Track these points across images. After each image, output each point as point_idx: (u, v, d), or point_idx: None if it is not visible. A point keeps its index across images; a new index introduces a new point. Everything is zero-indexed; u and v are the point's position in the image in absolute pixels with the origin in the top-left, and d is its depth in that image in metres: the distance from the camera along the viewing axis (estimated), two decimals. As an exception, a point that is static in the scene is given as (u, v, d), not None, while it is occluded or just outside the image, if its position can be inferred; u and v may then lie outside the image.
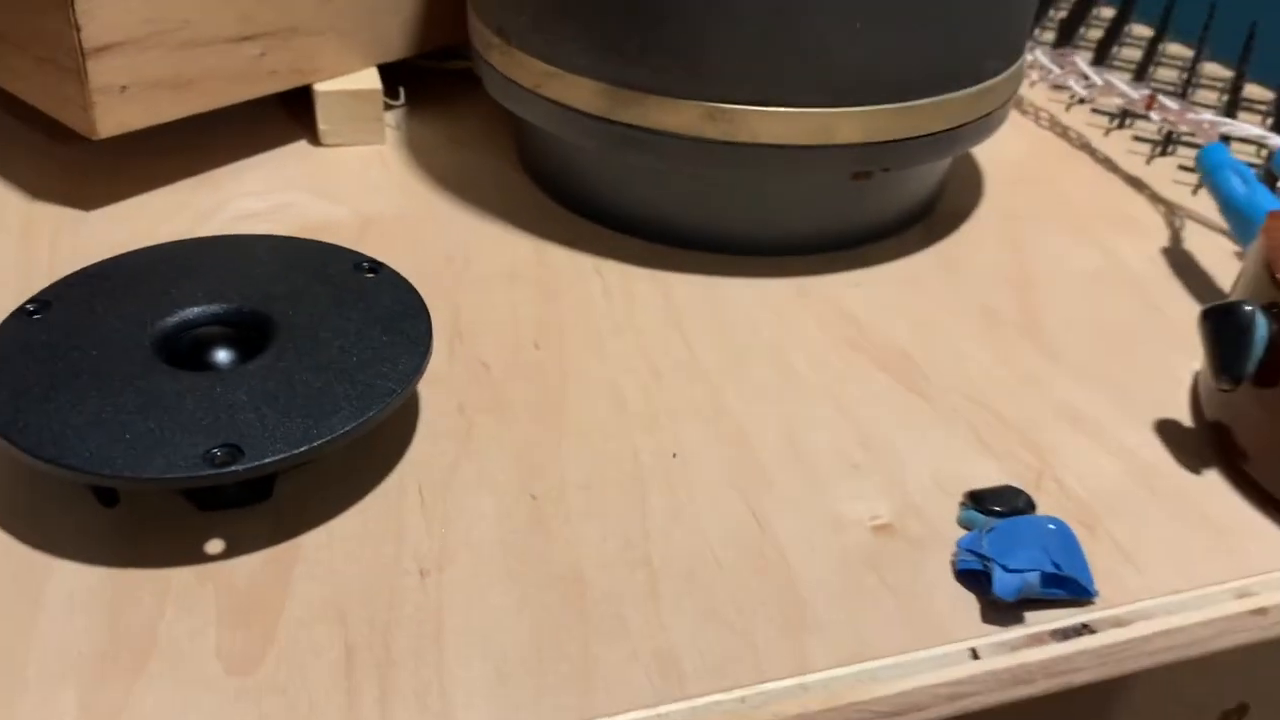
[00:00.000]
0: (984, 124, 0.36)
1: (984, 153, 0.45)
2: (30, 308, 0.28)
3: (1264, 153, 0.45)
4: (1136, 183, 0.44)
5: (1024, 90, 0.50)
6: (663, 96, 0.33)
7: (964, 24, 0.34)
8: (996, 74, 0.36)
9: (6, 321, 0.28)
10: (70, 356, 0.27)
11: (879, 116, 0.34)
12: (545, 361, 0.32)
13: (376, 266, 0.31)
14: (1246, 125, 0.41)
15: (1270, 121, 0.47)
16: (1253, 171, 0.37)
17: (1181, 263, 0.38)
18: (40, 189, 0.38)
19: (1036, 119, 0.48)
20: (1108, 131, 0.47)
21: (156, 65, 0.36)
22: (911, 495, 0.28)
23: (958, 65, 0.34)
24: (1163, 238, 0.40)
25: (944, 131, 0.35)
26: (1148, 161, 0.45)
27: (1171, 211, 0.41)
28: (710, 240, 0.37)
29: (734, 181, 0.36)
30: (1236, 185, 0.36)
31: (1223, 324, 0.29)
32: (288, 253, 0.31)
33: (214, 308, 0.28)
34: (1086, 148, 0.46)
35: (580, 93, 0.34)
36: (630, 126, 0.34)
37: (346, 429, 0.25)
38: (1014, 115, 0.48)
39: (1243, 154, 0.45)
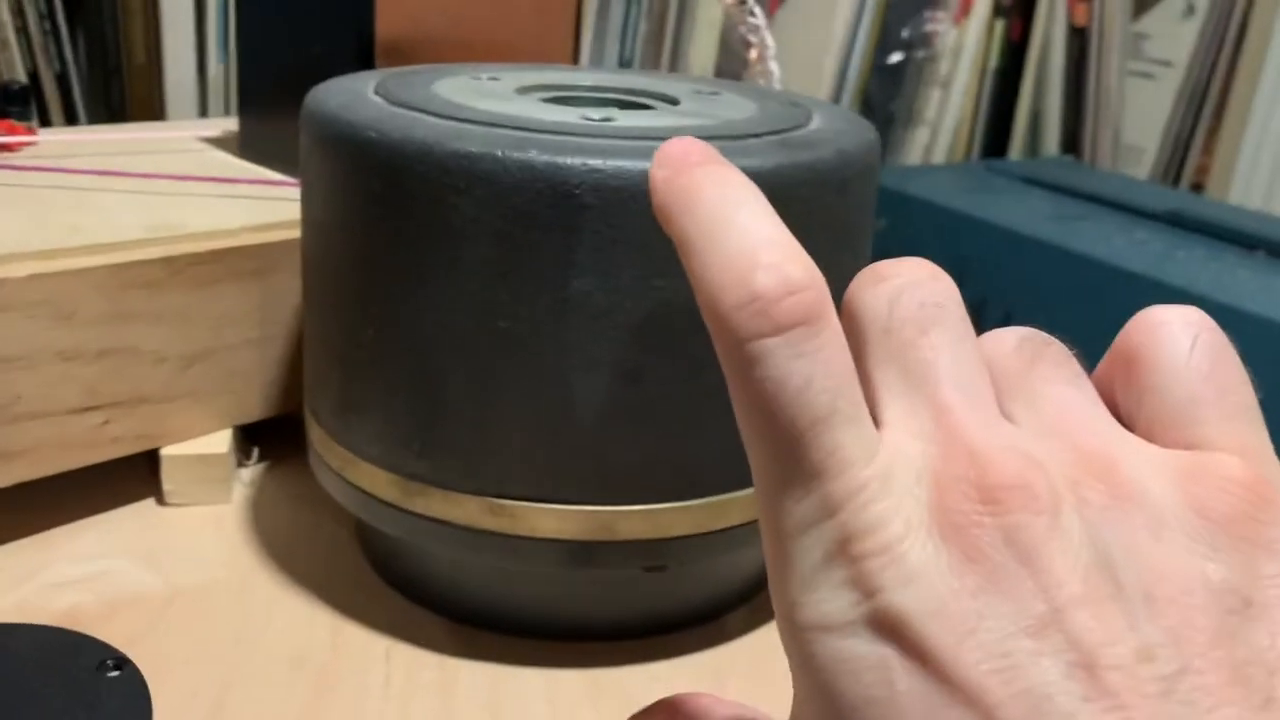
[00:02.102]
0: (784, 518, 0.36)
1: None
2: None
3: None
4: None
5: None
6: (446, 490, 0.34)
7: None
8: (794, 470, 0.36)
9: None
10: None
11: (661, 514, 0.34)
12: (290, 768, 0.31)
13: (121, 664, 0.31)
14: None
15: None
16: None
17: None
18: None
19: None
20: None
21: (-16, 439, 0.37)
22: None
23: (742, 465, 0.34)
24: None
25: (735, 528, 0.35)
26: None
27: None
28: (508, 624, 0.36)
29: (523, 571, 0.35)
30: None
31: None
32: (35, 646, 0.31)
33: (-79, 717, 0.28)
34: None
35: (375, 480, 0.35)
36: (420, 516, 0.34)
37: None
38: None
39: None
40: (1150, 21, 1.36)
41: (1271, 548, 0.17)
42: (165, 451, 0.42)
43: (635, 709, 0.34)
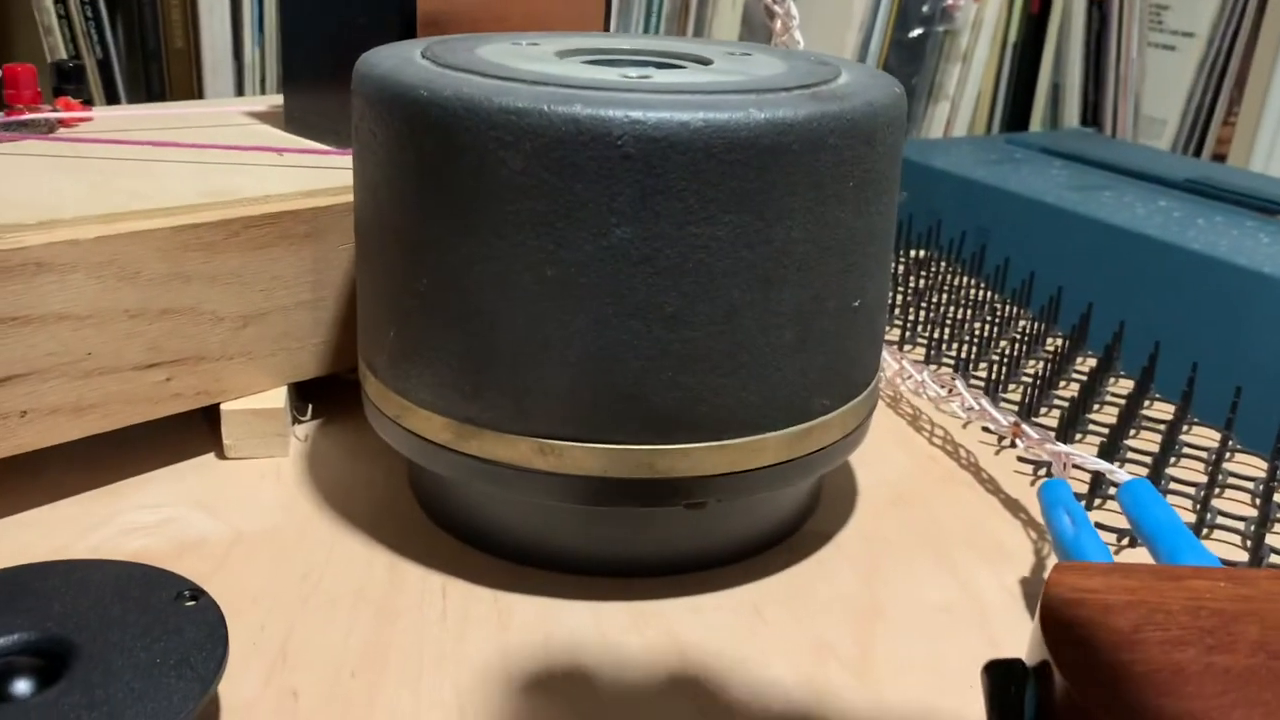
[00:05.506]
0: (816, 459, 0.38)
1: (867, 472, 0.46)
2: None
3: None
4: (1015, 506, 0.44)
5: (922, 404, 0.51)
6: (497, 432, 0.36)
7: (779, 371, 0.36)
8: (825, 413, 0.37)
9: None
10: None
11: (699, 453, 0.35)
12: (356, 693, 0.33)
13: (198, 594, 0.32)
14: (1097, 460, 0.41)
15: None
16: (1085, 513, 0.37)
17: (1036, 595, 0.38)
18: (-47, 499, 0.41)
19: (931, 436, 0.49)
20: (998, 451, 0.48)
21: (57, 392, 0.39)
22: None
23: (776, 407, 0.36)
24: (1026, 567, 0.40)
25: (769, 467, 0.36)
26: (1032, 484, 0.45)
27: (1041, 538, 0.42)
28: (556, 561, 0.38)
29: (570, 509, 0.37)
30: (1065, 525, 0.36)
31: (999, 680, 0.29)
32: (116, 580, 0.33)
33: (17, 638, 0.30)
34: (973, 467, 0.47)
35: (430, 425, 0.37)
36: (473, 457, 0.36)
37: (95, 771, 0.26)
38: (907, 432, 0.49)
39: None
40: (1171, -7, 1.37)
41: None
42: (225, 407, 0.44)
43: (678, 638, 0.36)
